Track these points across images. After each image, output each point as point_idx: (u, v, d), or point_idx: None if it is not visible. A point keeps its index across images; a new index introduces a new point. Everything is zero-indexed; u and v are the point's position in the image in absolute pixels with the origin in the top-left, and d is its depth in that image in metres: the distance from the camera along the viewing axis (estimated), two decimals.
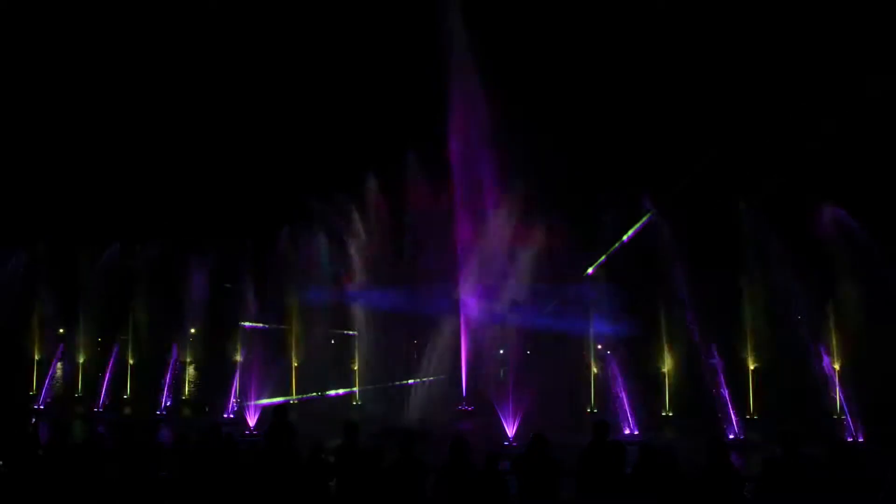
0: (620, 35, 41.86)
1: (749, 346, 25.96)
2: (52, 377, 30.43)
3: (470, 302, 27.12)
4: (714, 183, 30.94)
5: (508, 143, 26.00)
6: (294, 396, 28.29)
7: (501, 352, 26.42)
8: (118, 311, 31.91)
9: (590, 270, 27.61)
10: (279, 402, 22.54)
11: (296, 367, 29.30)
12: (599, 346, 28.28)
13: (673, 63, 41.32)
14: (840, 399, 22.25)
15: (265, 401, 23.36)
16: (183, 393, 31.59)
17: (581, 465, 8.64)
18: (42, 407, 28.28)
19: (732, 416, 21.08)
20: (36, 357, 32.39)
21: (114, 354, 29.69)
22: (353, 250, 30.06)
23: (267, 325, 28.03)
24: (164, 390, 27.88)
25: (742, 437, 20.74)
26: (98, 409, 27.48)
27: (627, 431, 22.15)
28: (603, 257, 27.58)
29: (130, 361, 31.60)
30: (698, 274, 24.32)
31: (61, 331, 34.66)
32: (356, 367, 30.36)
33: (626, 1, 45.27)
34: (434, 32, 27.13)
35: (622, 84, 41.50)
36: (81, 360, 32.14)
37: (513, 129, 25.90)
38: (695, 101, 39.81)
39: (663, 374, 27.47)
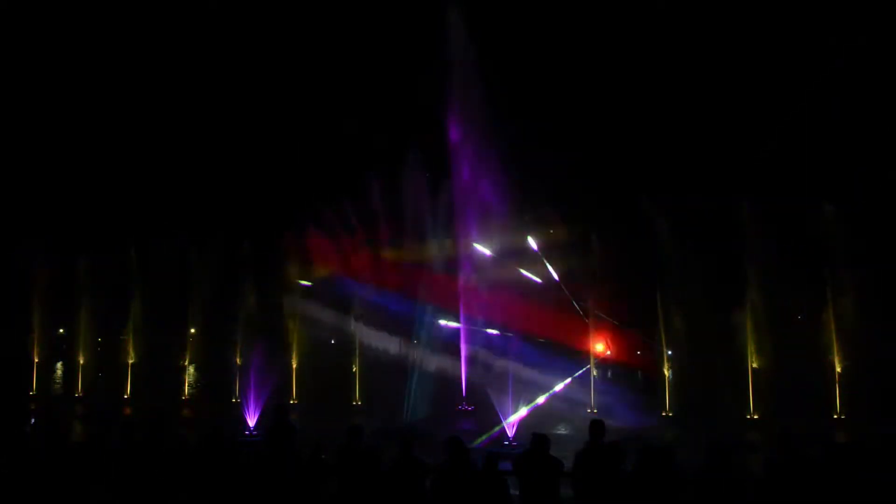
0: (620, 36, 41.92)
1: (750, 347, 25.90)
2: (52, 377, 30.40)
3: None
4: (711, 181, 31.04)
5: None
6: None
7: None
8: (118, 311, 31.82)
9: None
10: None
11: None
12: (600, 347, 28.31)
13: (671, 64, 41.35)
14: (840, 399, 22.25)
15: None
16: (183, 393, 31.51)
17: (576, 466, 8.63)
18: (42, 407, 28.21)
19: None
20: (36, 357, 32.32)
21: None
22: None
23: None
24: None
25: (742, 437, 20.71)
26: (98, 408, 27.43)
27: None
28: None
29: (130, 361, 31.49)
30: (699, 274, 24.33)
31: (61, 331, 34.63)
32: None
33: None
34: (434, 33, 27.19)
35: (621, 84, 41.54)
36: (81, 361, 32.05)
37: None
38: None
39: (664, 373, 27.41)
